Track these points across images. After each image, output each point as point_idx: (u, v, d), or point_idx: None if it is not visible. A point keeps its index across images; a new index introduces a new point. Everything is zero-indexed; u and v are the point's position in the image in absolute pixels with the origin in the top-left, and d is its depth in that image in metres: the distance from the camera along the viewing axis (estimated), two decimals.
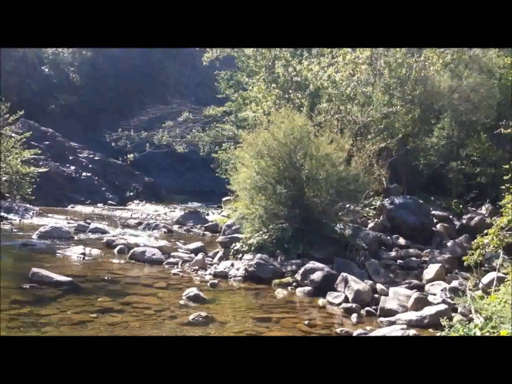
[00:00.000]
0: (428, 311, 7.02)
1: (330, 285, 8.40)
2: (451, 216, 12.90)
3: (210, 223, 15.68)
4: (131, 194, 24.35)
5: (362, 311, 7.54)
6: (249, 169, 10.72)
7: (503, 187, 7.23)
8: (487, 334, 4.95)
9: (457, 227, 12.31)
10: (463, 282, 8.25)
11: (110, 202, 22.25)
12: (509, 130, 7.90)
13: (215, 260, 10.50)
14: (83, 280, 8.48)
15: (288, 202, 10.56)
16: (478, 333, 5.02)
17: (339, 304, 7.83)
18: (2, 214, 14.94)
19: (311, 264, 9.05)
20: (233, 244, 10.82)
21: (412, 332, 6.29)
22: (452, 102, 14.49)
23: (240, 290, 8.87)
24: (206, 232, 15.00)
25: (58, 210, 17.84)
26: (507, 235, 6.80)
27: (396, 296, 7.73)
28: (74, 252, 10.40)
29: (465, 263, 7.10)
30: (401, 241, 11.36)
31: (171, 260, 10.34)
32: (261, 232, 10.64)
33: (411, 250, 10.92)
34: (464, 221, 12.42)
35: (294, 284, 8.90)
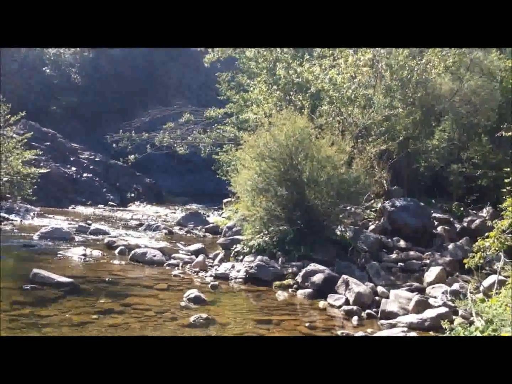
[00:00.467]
0: (429, 313, 7.02)
1: (331, 288, 8.39)
2: (452, 219, 12.87)
3: (211, 225, 15.68)
4: (132, 195, 24.36)
5: (363, 314, 7.53)
6: (250, 170, 10.73)
7: (504, 190, 7.22)
8: None
9: (458, 230, 12.28)
10: (464, 285, 8.24)
11: (111, 203, 22.26)
12: (510, 133, 7.90)
13: (216, 261, 10.50)
14: (83, 281, 8.49)
15: (289, 204, 10.56)
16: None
17: (340, 306, 7.82)
18: (3, 214, 14.95)
19: (312, 266, 9.05)
20: (234, 246, 10.82)
21: (412, 334, 6.30)
22: (453, 104, 14.48)
23: (240, 292, 8.87)
24: (207, 234, 14.99)
25: (59, 211, 17.85)
26: (508, 238, 6.79)
27: (397, 298, 7.73)
28: (75, 253, 10.41)
29: (466, 266, 7.08)
30: (402, 243, 11.35)
31: (172, 261, 10.35)
32: (262, 234, 10.65)
33: (412, 253, 10.90)
34: (465, 224, 12.40)
35: (295, 286, 8.89)
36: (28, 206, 16.78)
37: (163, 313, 7.00)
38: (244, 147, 11.20)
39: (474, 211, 13.60)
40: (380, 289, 8.43)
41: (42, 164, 20.38)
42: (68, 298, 7.38)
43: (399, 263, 10.53)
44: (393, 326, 6.93)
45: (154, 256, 10.39)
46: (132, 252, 10.54)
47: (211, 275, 9.51)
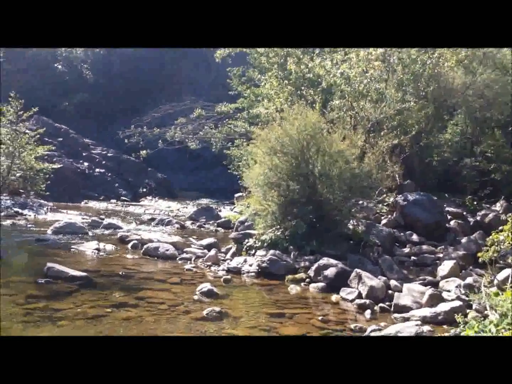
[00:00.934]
0: (442, 307, 6.99)
1: (343, 281, 8.38)
2: (465, 213, 12.81)
3: (222, 219, 15.72)
4: (144, 190, 24.50)
5: (376, 307, 7.51)
6: (262, 165, 10.73)
7: None
8: (503, 330, 4.92)
9: (471, 224, 12.21)
10: (478, 278, 8.18)
11: (123, 198, 22.40)
12: None
13: (228, 256, 10.53)
14: (97, 275, 8.55)
15: (301, 199, 10.56)
16: (493, 330, 4.98)
17: (353, 300, 7.81)
18: (17, 209, 15.08)
19: (325, 260, 9.04)
20: (246, 240, 10.84)
21: (426, 328, 6.28)
22: (466, 98, 14.38)
23: (253, 285, 8.89)
24: (219, 228, 15.04)
25: (71, 206, 17.99)
26: None
27: (410, 292, 7.70)
28: (88, 248, 10.48)
29: (479, 260, 7.03)
30: (415, 237, 11.31)
31: (184, 255, 10.39)
32: (274, 228, 10.65)
33: (424, 247, 10.86)
34: (478, 218, 12.32)
35: (307, 280, 8.89)
36: (41, 201, 16.91)
37: (176, 307, 7.03)
38: (256, 141, 11.19)
39: (488, 205, 13.50)
40: (393, 283, 8.41)
41: (55, 159, 20.55)
42: (82, 292, 7.43)
43: (412, 257, 10.50)
44: (406, 319, 6.91)
45: (167, 250, 10.44)
46: (145, 246, 10.59)
47: (223, 269, 9.54)
